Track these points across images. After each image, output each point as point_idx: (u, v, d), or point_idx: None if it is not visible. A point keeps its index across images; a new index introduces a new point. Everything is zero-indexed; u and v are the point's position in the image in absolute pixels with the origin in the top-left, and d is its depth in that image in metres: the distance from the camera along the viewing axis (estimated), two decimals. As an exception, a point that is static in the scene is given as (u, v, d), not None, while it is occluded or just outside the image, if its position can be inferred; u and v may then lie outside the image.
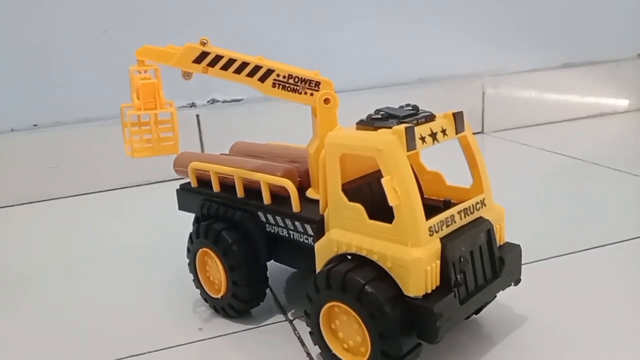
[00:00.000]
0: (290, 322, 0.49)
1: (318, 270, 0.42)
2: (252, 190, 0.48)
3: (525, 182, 0.84)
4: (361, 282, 0.37)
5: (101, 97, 0.92)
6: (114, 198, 0.91)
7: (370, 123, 0.40)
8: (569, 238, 0.62)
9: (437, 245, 0.37)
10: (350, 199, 0.40)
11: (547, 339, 0.44)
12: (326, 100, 0.44)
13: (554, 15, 1.17)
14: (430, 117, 0.40)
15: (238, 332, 0.48)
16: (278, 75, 0.44)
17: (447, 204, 0.43)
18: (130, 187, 0.95)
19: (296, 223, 0.44)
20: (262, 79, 0.44)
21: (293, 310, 0.51)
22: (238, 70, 0.44)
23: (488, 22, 1.14)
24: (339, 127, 0.44)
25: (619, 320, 0.46)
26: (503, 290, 0.43)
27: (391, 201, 0.36)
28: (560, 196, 0.77)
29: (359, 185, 0.44)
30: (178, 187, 0.55)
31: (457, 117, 0.41)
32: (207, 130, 0.98)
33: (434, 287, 0.37)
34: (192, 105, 1.00)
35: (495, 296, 0.44)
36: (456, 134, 0.41)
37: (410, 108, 0.41)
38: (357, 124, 0.41)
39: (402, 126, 0.37)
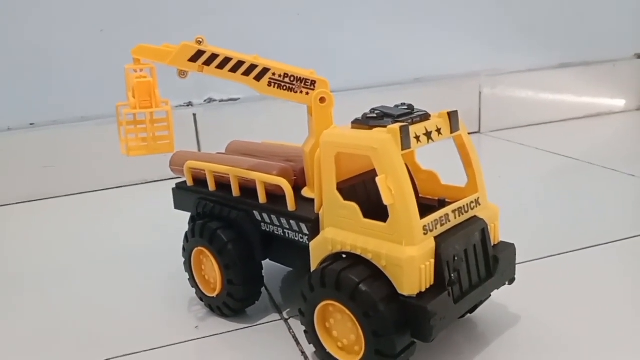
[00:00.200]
0: (286, 320, 0.49)
1: (313, 269, 0.42)
2: (248, 189, 0.48)
3: (522, 181, 0.85)
4: (355, 280, 0.37)
5: (98, 96, 0.92)
6: (110, 197, 0.91)
7: (366, 122, 0.40)
8: (563, 237, 0.62)
9: (432, 244, 0.38)
10: (346, 198, 0.40)
11: (542, 338, 0.44)
12: (322, 99, 0.44)
13: (551, 16, 1.18)
14: (425, 117, 0.40)
15: (233, 331, 0.48)
16: (274, 74, 0.44)
17: (442, 203, 0.43)
18: (127, 186, 0.95)
19: (291, 222, 0.45)
20: (258, 78, 0.44)
21: (288, 309, 0.51)
22: (234, 69, 0.44)
23: (485, 22, 1.14)
24: (334, 126, 0.44)
25: (614, 319, 0.46)
26: (497, 289, 0.43)
27: (386, 200, 0.37)
28: (555, 196, 0.78)
29: (354, 184, 0.44)
30: (174, 186, 0.55)
31: (452, 117, 0.41)
32: (204, 129, 0.98)
33: (428, 286, 0.37)
34: (189, 104, 1.00)
35: (490, 295, 0.45)
36: (451, 133, 0.41)
37: (406, 107, 0.41)
38: (353, 123, 0.41)
39: (397, 125, 0.37)
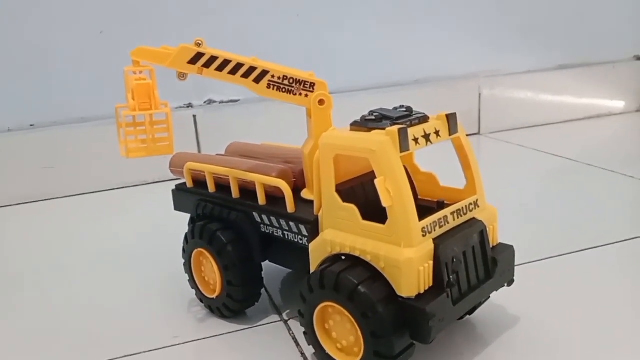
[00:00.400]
0: (285, 322, 0.49)
1: (312, 270, 0.42)
2: (247, 190, 0.48)
3: (521, 183, 0.85)
4: (354, 282, 0.37)
5: (98, 97, 0.92)
6: (110, 198, 0.91)
7: (364, 124, 0.40)
8: (562, 239, 0.62)
9: (430, 245, 0.38)
10: (344, 200, 0.40)
11: (541, 340, 0.44)
12: (321, 102, 0.44)
13: (550, 17, 1.18)
14: (424, 119, 0.40)
15: (233, 332, 0.48)
16: (273, 77, 0.44)
17: (441, 205, 0.43)
18: (127, 187, 0.95)
19: (291, 223, 0.45)
20: (257, 80, 0.44)
21: (288, 311, 0.51)
22: (233, 71, 0.44)
23: (485, 23, 1.14)
24: (333, 128, 0.44)
25: (612, 321, 0.46)
26: (496, 290, 0.43)
27: (384, 202, 0.37)
28: (555, 197, 0.78)
29: (353, 186, 0.44)
30: (174, 187, 0.55)
31: (451, 119, 0.41)
32: (204, 131, 0.98)
33: (426, 288, 0.37)
34: (189, 105, 1.00)
35: (489, 297, 0.45)
36: (449, 135, 0.41)
37: (404, 109, 0.41)
38: (351, 125, 0.41)
39: (395, 127, 0.37)
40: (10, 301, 0.58)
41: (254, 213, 0.47)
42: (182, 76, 0.45)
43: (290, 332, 0.48)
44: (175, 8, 0.95)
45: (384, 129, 0.38)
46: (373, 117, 0.40)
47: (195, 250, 0.50)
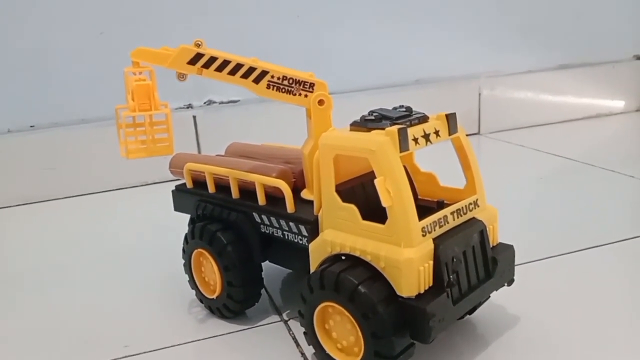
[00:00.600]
0: (285, 322, 0.49)
1: (312, 270, 0.42)
2: (247, 191, 0.48)
3: (521, 183, 0.85)
4: (354, 282, 0.37)
5: (98, 98, 0.92)
6: (110, 199, 0.92)
7: (364, 124, 0.40)
8: (562, 239, 0.62)
9: (430, 245, 0.38)
10: (344, 200, 0.40)
11: (541, 339, 0.44)
12: (320, 102, 0.44)
13: (550, 17, 1.18)
14: (424, 119, 0.40)
15: (233, 332, 0.48)
16: (272, 77, 0.44)
17: (441, 205, 0.43)
18: (127, 188, 0.95)
19: (290, 224, 0.45)
20: (257, 81, 0.44)
21: (288, 311, 0.51)
22: (232, 72, 0.44)
23: (485, 23, 1.14)
24: (332, 128, 0.44)
25: (612, 321, 0.46)
26: (496, 290, 0.43)
27: (384, 202, 0.37)
28: (555, 197, 0.78)
29: (353, 186, 0.44)
30: (174, 188, 0.55)
31: (450, 119, 0.41)
32: (204, 131, 0.98)
33: (426, 288, 0.37)
34: (189, 106, 1.00)
35: (489, 296, 0.45)
36: (449, 135, 0.41)
37: (404, 109, 0.41)
38: (351, 125, 0.41)
39: (395, 127, 0.37)
40: (10, 301, 0.58)
41: (254, 213, 0.47)
42: (181, 77, 0.45)
43: (291, 332, 0.48)
44: (175, 9, 0.95)
45: (383, 129, 0.38)
46: (372, 117, 0.40)
47: (195, 251, 0.50)
